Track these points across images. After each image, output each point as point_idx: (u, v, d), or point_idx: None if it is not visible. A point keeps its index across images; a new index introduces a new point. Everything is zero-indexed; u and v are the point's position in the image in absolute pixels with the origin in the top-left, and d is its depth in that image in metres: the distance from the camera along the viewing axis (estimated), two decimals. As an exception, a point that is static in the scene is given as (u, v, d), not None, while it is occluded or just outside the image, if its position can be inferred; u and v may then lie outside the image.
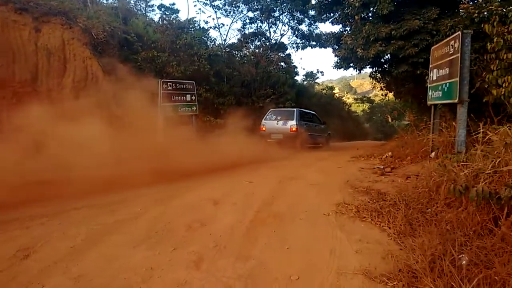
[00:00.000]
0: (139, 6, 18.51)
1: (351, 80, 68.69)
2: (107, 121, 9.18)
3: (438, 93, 6.92)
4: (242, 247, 3.56)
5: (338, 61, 12.65)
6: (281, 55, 23.89)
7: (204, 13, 39.46)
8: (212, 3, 21.02)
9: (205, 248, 3.53)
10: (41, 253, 3.42)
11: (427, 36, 9.38)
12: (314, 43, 24.15)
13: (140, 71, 11.94)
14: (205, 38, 17.58)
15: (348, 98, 45.00)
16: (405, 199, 4.59)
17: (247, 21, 23.27)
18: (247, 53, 21.47)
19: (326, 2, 12.54)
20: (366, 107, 37.14)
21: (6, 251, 3.44)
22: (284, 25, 24.16)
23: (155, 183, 6.70)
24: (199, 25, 18.75)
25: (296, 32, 24.19)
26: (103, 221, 4.37)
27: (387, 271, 2.89)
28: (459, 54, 5.99)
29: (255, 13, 22.68)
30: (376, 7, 9.84)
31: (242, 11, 22.47)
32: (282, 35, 24.77)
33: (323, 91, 30.80)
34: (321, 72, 38.27)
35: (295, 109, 13.49)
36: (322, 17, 13.52)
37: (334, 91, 35.22)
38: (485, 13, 6.58)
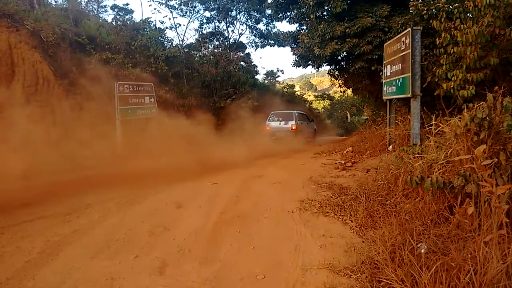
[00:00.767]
0: (90, 6, 17.77)
1: (311, 78, 69.84)
2: (60, 127, 8.80)
3: (393, 88, 7.15)
4: (207, 250, 3.51)
5: (297, 59, 12.81)
6: (241, 54, 23.87)
7: (160, 13, 38.73)
8: (168, 3, 20.59)
9: (169, 253, 3.46)
10: (-8, 271, 3.19)
11: (379, 33, 9.69)
12: (272, 42, 24.32)
13: (94, 74, 11.47)
14: (161, 39, 17.15)
15: (309, 95, 45.71)
16: (366, 192, 4.71)
17: (204, 20, 23.04)
18: (206, 53, 21.22)
19: (282, 1, 12.64)
20: (327, 104, 37.87)
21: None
22: (242, 25, 24.19)
23: (110, 189, 6.45)
24: (155, 25, 18.30)
25: (254, 31, 24.28)
26: (59, 232, 4.15)
27: (350, 264, 2.95)
28: (410, 50, 6.22)
29: (212, 12, 22.49)
30: (330, 6, 10.03)
31: (198, 10, 22.20)
32: (240, 34, 24.80)
33: (284, 90, 31.08)
34: (281, 70, 38.79)
35: (293, 111, 15.77)
36: (279, 16, 13.60)
37: (295, 89, 35.64)
38: (433, 10, 6.87)
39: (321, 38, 10.49)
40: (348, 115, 14.88)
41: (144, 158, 9.09)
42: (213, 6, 21.90)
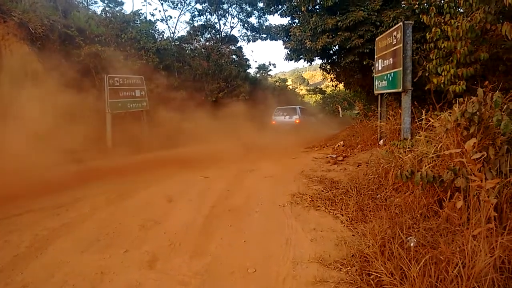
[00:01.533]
0: (80, -2, 17.49)
1: (303, 72, 69.74)
2: (49, 120, 8.67)
3: (384, 83, 7.17)
4: (198, 244, 3.51)
5: (289, 53, 12.75)
6: (232, 48, 23.72)
7: (151, 5, 38.23)
8: (159, -5, 20.36)
9: (160, 247, 3.44)
10: (-21, 266, 3.15)
11: (371, 27, 9.69)
12: (264, 35, 24.17)
13: (84, 66, 11.31)
14: (152, 31, 16.98)
15: (301, 89, 45.77)
16: (357, 186, 4.75)
17: (196, 13, 22.80)
18: (198, 46, 21.06)
19: (274, -6, 12.58)
20: (319, 98, 37.93)
21: None
22: (234, 18, 24.01)
23: (100, 182, 6.39)
24: (145, 17, 18.09)
25: (246, 25, 24.10)
26: (48, 225, 4.11)
27: (340, 258, 2.97)
28: (401, 45, 6.24)
29: (203, 5, 22.27)
30: (322, -1, 10.00)
31: (190, 3, 21.97)
32: (232, 27, 24.60)
33: (276, 83, 31.04)
34: (274, 64, 38.70)
35: (296, 106, 17.76)
36: (271, 10, 13.51)
37: (287, 83, 35.62)
38: (425, 4, 6.88)
39: (312, 31, 10.46)
40: (340, 109, 14.98)
41: (134, 152, 9.04)
42: (205, -1, 21.71)
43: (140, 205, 4.87)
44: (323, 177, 5.88)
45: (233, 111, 16.06)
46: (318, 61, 14.24)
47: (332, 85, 18.39)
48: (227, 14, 23.44)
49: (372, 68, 8.34)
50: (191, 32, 22.05)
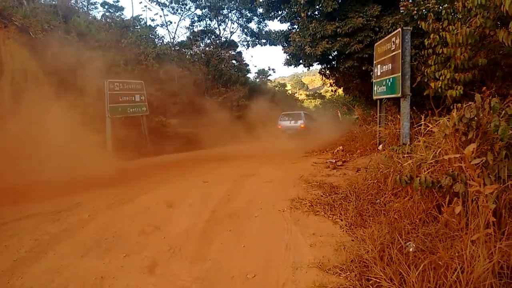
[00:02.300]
0: (80, 3, 17.57)
1: (303, 77, 69.86)
2: (49, 125, 8.68)
3: (383, 88, 7.20)
4: (198, 249, 3.51)
5: (288, 58, 12.80)
6: (232, 53, 23.81)
7: (151, 10, 38.33)
8: (158, 0, 20.45)
9: (160, 252, 3.44)
10: (-21, 271, 3.15)
11: (370, 33, 9.74)
12: (264, 40, 24.30)
13: (84, 71, 11.33)
14: (152, 36, 17.06)
15: (301, 94, 45.84)
16: (356, 191, 4.75)
17: (196, 18, 22.95)
18: (198, 51, 21.15)
19: (273, 0, 12.64)
20: (318, 102, 38.03)
21: None
22: (233, 23, 24.18)
23: (100, 187, 6.38)
24: (145, 23, 18.21)
25: (246, 30, 24.28)
26: (48, 230, 4.12)
27: (340, 263, 2.97)
28: (400, 50, 6.27)
29: (203, 10, 22.43)
30: (321, 5, 10.05)
31: (189, 8, 22.11)
32: (232, 33, 24.75)
33: (276, 88, 31.12)
34: (273, 69, 38.79)
35: (301, 112, 18.66)
36: (270, 15, 13.57)
37: (286, 88, 35.68)
38: (424, 10, 6.92)
39: (312, 37, 10.51)
40: (339, 114, 15.03)
41: (134, 157, 9.05)
42: (205, 4, 21.85)
43: (140, 210, 4.87)
44: (323, 182, 5.89)
45: (233, 116, 16.09)
46: (317, 66, 14.33)
47: (332, 90, 18.47)
48: (227, 20, 23.61)
49: (371, 73, 8.37)
50: (191, 37, 22.15)
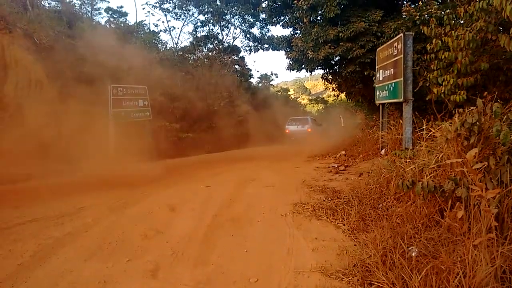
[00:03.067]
0: (84, 9, 17.70)
1: (305, 82, 69.88)
2: (53, 130, 8.74)
3: (385, 93, 7.21)
4: (200, 253, 3.51)
5: (291, 63, 12.85)
6: (235, 58, 23.93)
7: (154, 16, 38.67)
8: (162, 6, 20.62)
9: (162, 256, 3.45)
10: (-17, 275, 3.16)
11: (372, 37, 9.77)
12: (266, 45, 24.42)
13: (87, 76, 11.41)
14: (155, 42, 17.17)
15: (303, 99, 45.90)
16: (358, 196, 4.75)
17: (199, 24, 23.14)
18: (200, 56, 21.26)
19: (276, 5, 12.72)
20: (321, 107, 38.04)
21: None
22: (236, 28, 24.34)
23: (102, 192, 6.41)
24: (149, 28, 18.35)
25: (248, 35, 24.40)
26: (52, 234, 4.12)
27: (342, 267, 2.97)
28: (402, 55, 6.29)
29: (206, 16, 22.58)
30: (323, 10, 10.10)
31: (193, 14, 22.30)
32: (234, 38, 24.90)
33: (278, 93, 31.20)
34: (275, 74, 38.95)
35: (308, 117, 19.89)
36: (273, 20, 13.66)
37: (289, 93, 35.74)
38: (426, 15, 6.94)
39: (314, 42, 10.55)
40: (342, 120, 15.04)
41: (136, 160, 9.06)
42: (208, 10, 21.99)
43: (142, 214, 4.88)
44: (325, 187, 5.89)
45: (236, 121, 16.13)
46: (319, 71, 14.36)
47: (334, 95, 18.51)
48: (229, 25, 23.78)
49: (373, 78, 8.39)
50: (194, 42, 22.27)
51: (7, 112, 8.86)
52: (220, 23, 23.02)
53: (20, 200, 5.56)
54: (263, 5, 14.36)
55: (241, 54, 25.19)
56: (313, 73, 13.81)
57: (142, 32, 16.58)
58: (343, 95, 17.69)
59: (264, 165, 9.42)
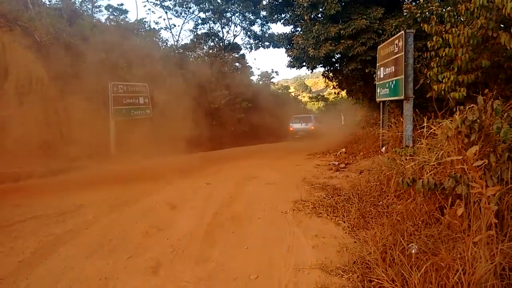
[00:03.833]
0: (85, 6, 17.64)
1: (306, 79, 69.81)
2: (54, 127, 8.75)
3: (386, 90, 7.20)
4: (201, 250, 3.52)
5: (291, 60, 12.80)
6: (235, 55, 23.90)
7: (155, 13, 38.66)
8: (163, 3, 20.59)
9: (163, 253, 3.46)
10: (-16, 272, 3.18)
11: (373, 35, 9.74)
12: (267, 43, 24.39)
13: (88, 74, 11.41)
14: (156, 39, 17.14)
15: (304, 96, 45.87)
16: (358, 193, 4.76)
17: (199, 21, 23.09)
18: (201, 54, 21.24)
19: (276, 3, 12.67)
20: (321, 105, 38.02)
21: None
22: (237, 26, 24.27)
23: (103, 188, 6.43)
24: (149, 26, 18.31)
25: (249, 33, 24.37)
26: (52, 232, 4.15)
27: (342, 264, 2.98)
28: (403, 53, 6.28)
29: (207, 13, 22.52)
30: (324, 8, 10.07)
31: (193, 11, 22.25)
32: (235, 35, 24.86)
33: (279, 91, 31.17)
34: (276, 72, 38.78)
35: (311, 115, 20.99)
36: (274, 18, 13.62)
37: (289, 90, 35.69)
38: (427, 13, 6.92)
39: (315, 39, 10.52)
40: (342, 118, 15.04)
41: (137, 158, 9.08)
42: (208, 7, 21.92)
43: (143, 212, 4.90)
44: (325, 184, 5.90)
45: (236, 118, 16.12)
46: (320, 69, 14.34)
47: (335, 93, 18.47)
48: (230, 23, 23.72)
49: (374, 75, 8.37)
50: (195, 40, 22.24)
51: (7, 110, 8.86)
52: (221, 21, 22.98)
53: (21, 198, 5.58)
54: (264, 2, 14.33)
55: (241, 52, 25.21)
56: (314, 70, 13.77)
57: (142, 30, 16.53)
58: (343, 93, 17.66)
59: (265, 163, 9.41)
